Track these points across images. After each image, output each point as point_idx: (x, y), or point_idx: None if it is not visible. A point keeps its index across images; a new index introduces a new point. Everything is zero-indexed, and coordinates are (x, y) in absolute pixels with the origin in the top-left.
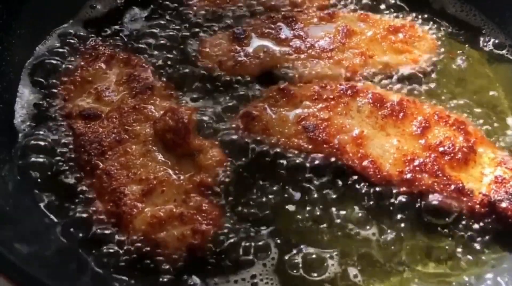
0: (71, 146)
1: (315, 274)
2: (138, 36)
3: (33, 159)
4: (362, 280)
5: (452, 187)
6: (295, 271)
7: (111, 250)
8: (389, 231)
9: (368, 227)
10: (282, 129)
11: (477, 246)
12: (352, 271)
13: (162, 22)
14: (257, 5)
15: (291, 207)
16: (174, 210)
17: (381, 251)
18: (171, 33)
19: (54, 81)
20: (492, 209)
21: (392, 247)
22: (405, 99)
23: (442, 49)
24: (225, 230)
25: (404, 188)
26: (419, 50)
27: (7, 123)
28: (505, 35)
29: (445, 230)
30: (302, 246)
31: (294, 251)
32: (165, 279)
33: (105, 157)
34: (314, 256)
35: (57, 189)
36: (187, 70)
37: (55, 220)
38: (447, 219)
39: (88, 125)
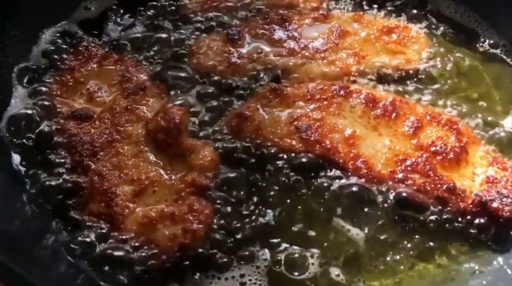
0: (63, 147)
1: (296, 273)
2: (131, 37)
3: (25, 161)
4: (345, 279)
5: (444, 187)
6: (277, 266)
7: (103, 251)
8: (374, 231)
9: (353, 227)
10: (274, 129)
11: (466, 246)
12: (334, 271)
13: (156, 23)
14: (251, 6)
15: (282, 207)
16: (166, 210)
17: (365, 251)
18: (164, 33)
19: (47, 81)
20: (483, 209)
21: (377, 248)
22: (398, 99)
23: (436, 50)
24: (216, 229)
25: (394, 188)
26: (412, 51)
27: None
28: (499, 36)
29: (431, 230)
30: (287, 245)
31: (280, 249)
32: (155, 276)
33: (97, 157)
34: (296, 255)
35: (49, 190)
36: (180, 71)
37: (46, 221)
38: (431, 217)
39: (80, 126)
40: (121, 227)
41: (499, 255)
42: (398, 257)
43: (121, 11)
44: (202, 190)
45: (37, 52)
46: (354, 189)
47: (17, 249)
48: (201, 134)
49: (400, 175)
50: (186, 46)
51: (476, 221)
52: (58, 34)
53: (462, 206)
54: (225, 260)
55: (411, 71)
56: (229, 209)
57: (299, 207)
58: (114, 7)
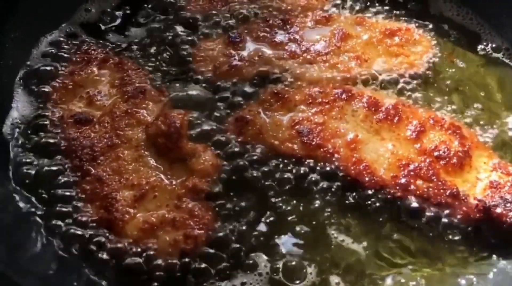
0: (63, 151)
1: (297, 281)
2: (131, 40)
3: (25, 164)
4: None
5: (447, 192)
6: (275, 274)
7: (104, 258)
8: (376, 237)
9: (354, 233)
10: (276, 133)
11: (469, 251)
12: (334, 279)
13: (156, 25)
14: (252, 8)
15: (282, 212)
16: (167, 215)
17: (367, 258)
18: (165, 36)
19: (47, 85)
20: (487, 214)
21: (379, 254)
22: (400, 103)
23: (438, 53)
24: (217, 235)
25: (397, 194)
26: (415, 54)
27: (0, 127)
28: (502, 39)
29: (434, 236)
30: (286, 253)
31: (279, 257)
32: (156, 283)
33: (97, 162)
34: (294, 263)
35: (48, 195)
36: (180, 74)
37: (45, 226)
38: (433, 223)
39: (80, 130)
40: (121, 232)
41: (502, 260)
42: (400, 264)
43: (121, 13)
44: (203, 195)
45: (37, 55)
46: (356, 194)
47: (15, 256)
48: (201, 138)
49: (403, 180)
50: (187, 49)
51: (479, 226)
52: (58, 37)
53: (465, 212)
54: (226, 267)
55: (413, 74)
56: (229, 214)
57: (299, 212)
58: (115, 10)
